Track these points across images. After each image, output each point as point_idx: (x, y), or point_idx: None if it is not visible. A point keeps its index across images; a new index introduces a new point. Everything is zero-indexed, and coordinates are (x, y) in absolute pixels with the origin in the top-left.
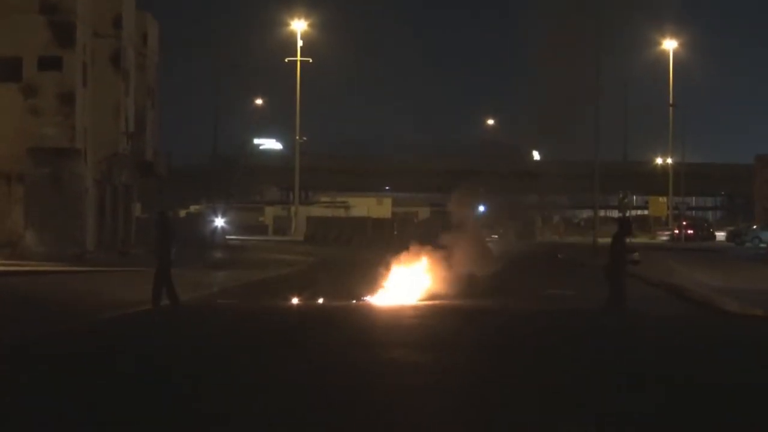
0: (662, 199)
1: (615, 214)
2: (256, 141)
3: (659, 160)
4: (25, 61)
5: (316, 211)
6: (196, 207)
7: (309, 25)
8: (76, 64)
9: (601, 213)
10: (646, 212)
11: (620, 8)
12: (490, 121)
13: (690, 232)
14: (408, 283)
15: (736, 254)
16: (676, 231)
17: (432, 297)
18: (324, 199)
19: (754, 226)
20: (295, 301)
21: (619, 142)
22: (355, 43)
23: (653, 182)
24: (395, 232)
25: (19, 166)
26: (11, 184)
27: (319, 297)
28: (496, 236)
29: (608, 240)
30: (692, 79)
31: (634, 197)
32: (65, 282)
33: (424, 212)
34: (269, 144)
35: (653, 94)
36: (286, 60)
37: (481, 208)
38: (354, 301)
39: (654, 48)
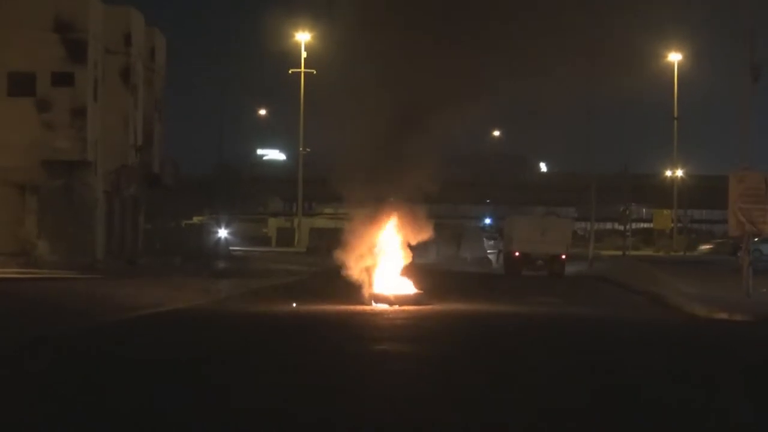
0: (666, 212)
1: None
2: (259, 151)
3: (668, 173)
4: (39, 76)
5: (319, 222)
6: (199, 218)
7: (313, 37)
8: (87, 79)
9: (608, 225)
10: (650, 225)
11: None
12: (496, 133)
13: None
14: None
15: (732, 266)
16: None
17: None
18: (327, 210)
19: (755, 239)
20: (295, 305)
21: (634, 153)
22: (356, 55)
23: (658, 194)
24: None
25: (32, 178)
26: (25, 194)
27: (318, 303)
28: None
29: (614, 252)
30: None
31: (644, 210)
32: (90, 288)
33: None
34: (273, 155)
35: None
36: (290, 71)
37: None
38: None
39: (663, 60)
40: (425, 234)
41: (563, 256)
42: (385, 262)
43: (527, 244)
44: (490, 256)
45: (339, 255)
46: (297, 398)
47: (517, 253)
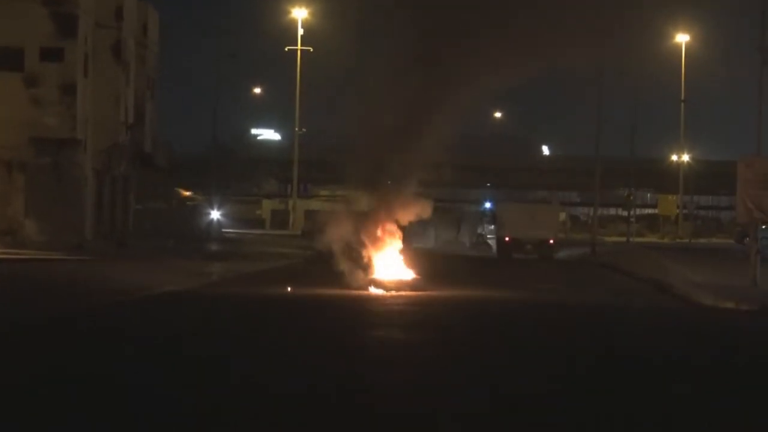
0: (672, 198)
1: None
2: (253, 131)
3: (674, 157)
4: (27, 51)
5: (315, 204)
6: (191, 195)
7: (310, 14)
8: (77, 54)
9: (612, 211)
10: (655, 211)
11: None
12: (497, 114)
13: None
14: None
15: (739, 254)
16: None
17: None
18: (323, 192)
19: (763, 226)
20: (289, 290)
21: (640, 137)
22: (357, 32)
23: (664, 180)
24: None
25: (20, 155)
26: (12, 172)
27: (313, 287)
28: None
29: (618, 239)
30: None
31: (648, 195)
32: (78, 270)
33: (425, 207)
34: (267, 134)
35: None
36: (286, 49)
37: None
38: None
39: (671, 41)
40: (423, 213)
41: (551, 241)
42: (382, 246)
43: (517, 230)
44: (489, 241)
45: (335, 238)
46: (286, 388)
47: (507, 238)
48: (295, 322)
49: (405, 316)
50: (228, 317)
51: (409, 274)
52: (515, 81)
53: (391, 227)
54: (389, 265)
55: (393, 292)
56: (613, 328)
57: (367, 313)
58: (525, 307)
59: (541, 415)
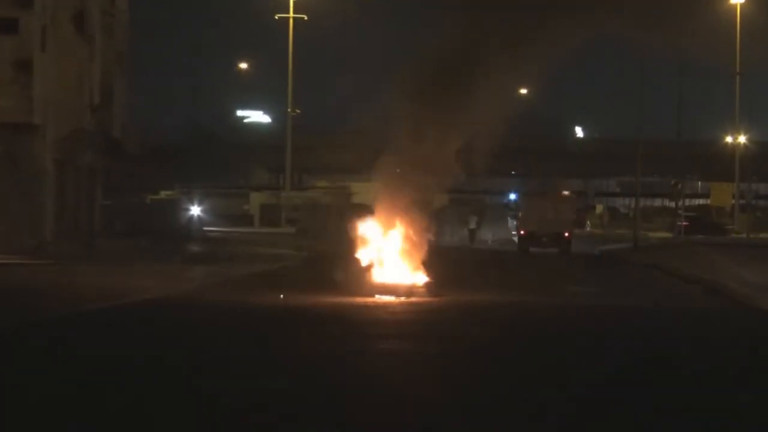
0: (726, 186)
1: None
2: (240, 113)
3: (729, 139)
4: None
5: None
6: (168, 192)
7: None
8: (34, 26)
9: (657, 202)
10: (707, 201)
11: None
12: (523, 91)
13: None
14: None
15: None
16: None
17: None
18: (321, 183)
19: None
20: (282, 297)
21: (687, 118)
22: (359, 2)
23: (715, 165)
24: None
25: None
26: None
27: (310, 294)
28: None
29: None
30: None
31: (699, 184)
32: (37, 276)
33: (440, 199)
34: (256, 117)
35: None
36: (276, 17)
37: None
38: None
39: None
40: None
41: (567, 234)
42: (391, 245)
43: (533, 223)
44: (514, 238)
45: (336, 236)
46: (287, 407)
47: (522, 231)
48: (291, 339)
49: (413, 326)
50: (214, 331)
51: (420, 278)
52: (555, 57)
53: (415, 224)
54: (399, 267)
55: (402, 299)
56: (656, 338)
57: (370, 324)
58: (554, 315)
59: None
